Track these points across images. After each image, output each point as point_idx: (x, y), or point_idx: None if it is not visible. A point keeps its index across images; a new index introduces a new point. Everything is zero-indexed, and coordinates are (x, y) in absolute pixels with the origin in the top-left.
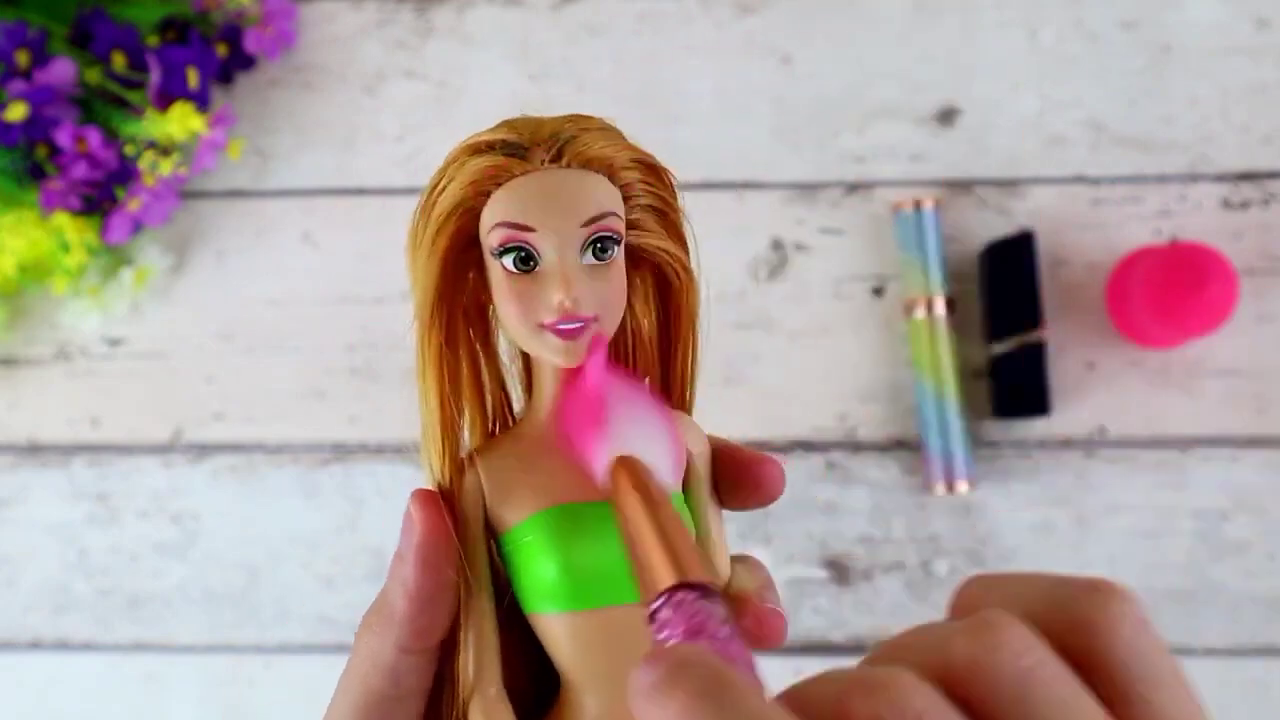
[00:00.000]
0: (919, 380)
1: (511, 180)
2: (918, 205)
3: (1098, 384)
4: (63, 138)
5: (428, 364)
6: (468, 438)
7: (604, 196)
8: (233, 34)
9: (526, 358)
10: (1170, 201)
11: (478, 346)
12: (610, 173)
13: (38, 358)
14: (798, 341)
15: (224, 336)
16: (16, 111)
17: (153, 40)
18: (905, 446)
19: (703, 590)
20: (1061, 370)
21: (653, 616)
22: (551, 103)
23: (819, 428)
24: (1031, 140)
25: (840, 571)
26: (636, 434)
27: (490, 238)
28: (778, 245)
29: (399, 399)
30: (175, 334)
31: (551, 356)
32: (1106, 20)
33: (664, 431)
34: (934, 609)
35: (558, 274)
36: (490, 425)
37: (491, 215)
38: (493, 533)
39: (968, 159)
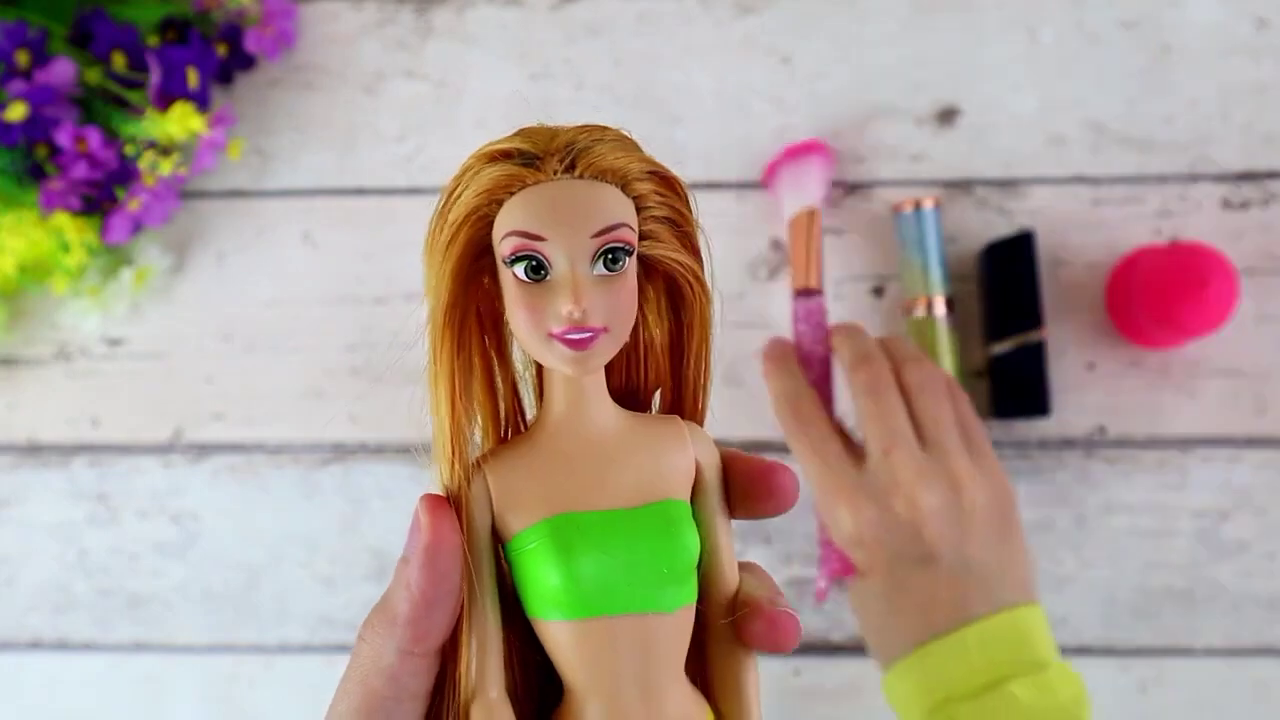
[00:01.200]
0: None
1: (524, 189)
2: (918, 205)
3: (1097, 384)
4: (63, 138)
5: (439, 369)
6: (480, 442)
7: (616, 207)
8: (233, 34)
9: (540, 365)
10: (1170, 201)
11: (492, 353)
12: (623, 184)
13: (38, 358)
14: None
15: (224, 336)
16: (16, 111)
17: (153, 40)
18: None
19: (811, 294)
20: (1061, 370)
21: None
22: (552, 103)
23: None
24: (1031, 140)
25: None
26: (806, 187)
27: (502, 246)
28: (778, 245)
29: (399, 399)
30: (175, 334)
31: (560, 366)
32: (1106, 20)
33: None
34: None
35: (568, 284)
36: (503, 431)
37: (504, 224)
38: (499, 538)
39: (967, 159)
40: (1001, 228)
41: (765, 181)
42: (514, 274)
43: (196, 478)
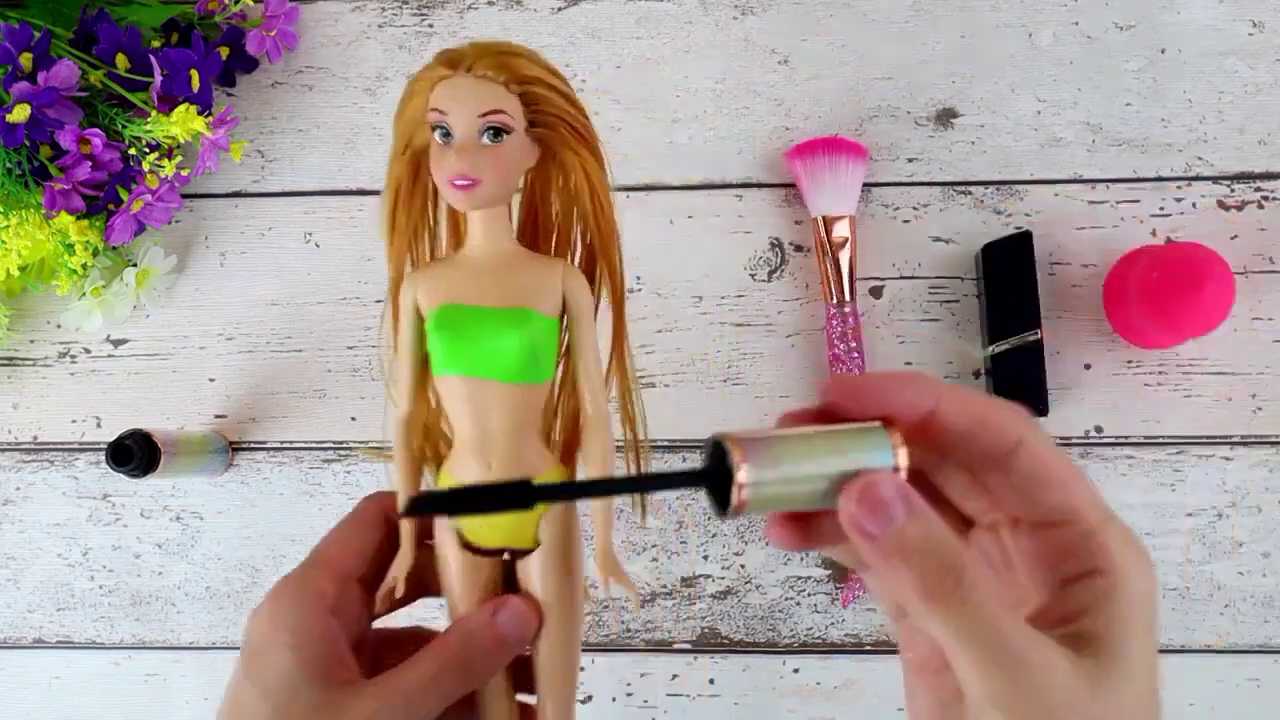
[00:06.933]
0: None
1: (442, 81)
2: None
3: (1094, 384)
4: (66, 139)
5: (389, 195)
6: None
7: (498, 98)
8: (235, 36)
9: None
10: (1167, 202)
11: (431, 205)
12: (506, 84)
13: (41, 358)
14: (797, 341)
15: (226, 337)
16: (20, 113)
17: (155, 42)
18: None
19: (843, 304)
20: (1058, 370)
21: None
22: None
23: None
24: (1029, 141)
25: (840, 571)
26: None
27: (428, 116)
28: (777, 245)
29: None
30: (177, 334)
31: (453, 203)
32: (1103, 22)
33: None
34: None
35: (457, 146)
36: (430, 254)
37: (430, 101)
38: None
39: (966, 160)
40: (999, 228)
41: (792, 158)
42: (434, 138)
43: (198, 477)
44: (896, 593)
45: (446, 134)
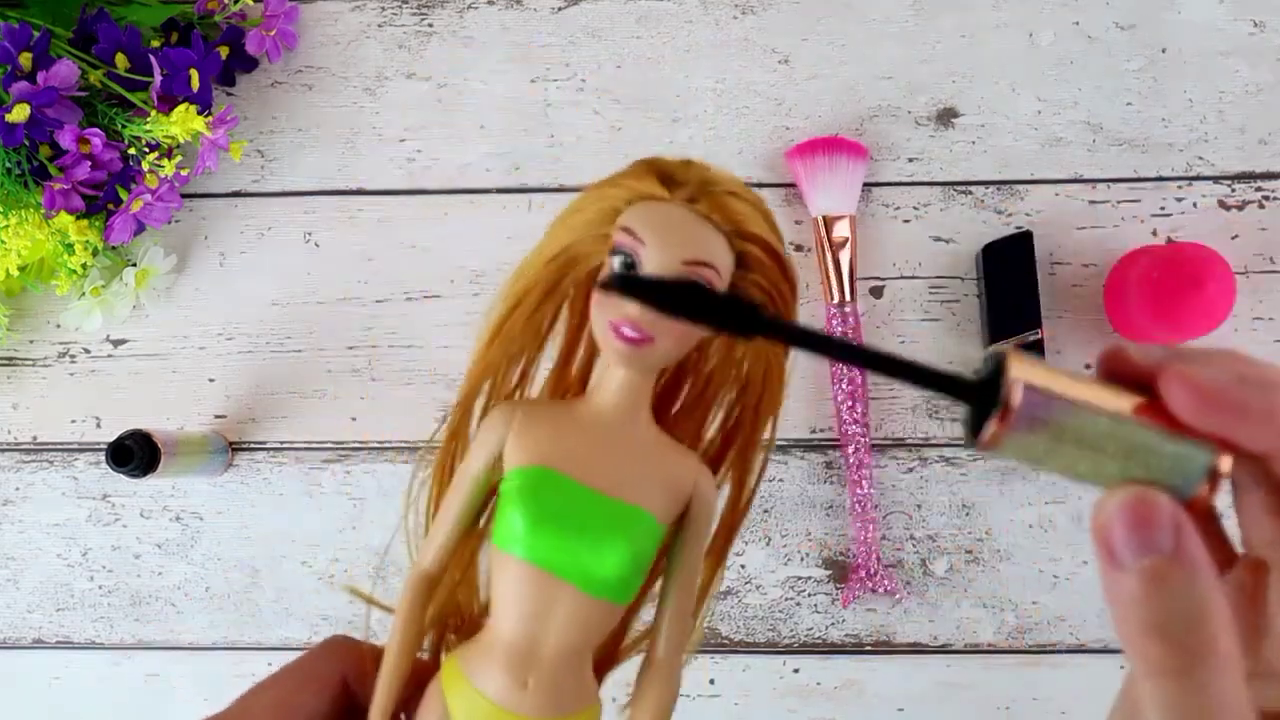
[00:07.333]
0: None
1: (651, 199)
2: None
3: None
4: (65, 139)
5: (512, 296)
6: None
7: (713, 249)
8: (234, 35)
9: (593, 360)
10: (1167, 202)
11: (548, 327)
12: (729, 236)
13: (41, 358)
14: None
15: (225, 337)
16: (19, 113)
17: (155, 42)
18: (904, 446)
19: (844, 304)
20: None
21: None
22: (553, 105)
23: (819, 428)
24: (1030, 141)
25: (840, 571)
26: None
27: (615, 235)
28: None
29: (400, 399)
30: (177, 334)
31: (608, 353)
32: (1104, 22)
33: None
34: (933, 607)
35: None
36: (517, 384)
37: (623, 219)
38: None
39: (966, 160)
40: (1000, 228)
41: (792, 157)
42: (610, 263)
43: (198, 477)
44: (1117, 630)
45: (630, 266)
